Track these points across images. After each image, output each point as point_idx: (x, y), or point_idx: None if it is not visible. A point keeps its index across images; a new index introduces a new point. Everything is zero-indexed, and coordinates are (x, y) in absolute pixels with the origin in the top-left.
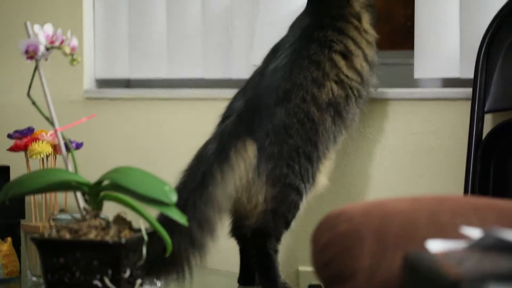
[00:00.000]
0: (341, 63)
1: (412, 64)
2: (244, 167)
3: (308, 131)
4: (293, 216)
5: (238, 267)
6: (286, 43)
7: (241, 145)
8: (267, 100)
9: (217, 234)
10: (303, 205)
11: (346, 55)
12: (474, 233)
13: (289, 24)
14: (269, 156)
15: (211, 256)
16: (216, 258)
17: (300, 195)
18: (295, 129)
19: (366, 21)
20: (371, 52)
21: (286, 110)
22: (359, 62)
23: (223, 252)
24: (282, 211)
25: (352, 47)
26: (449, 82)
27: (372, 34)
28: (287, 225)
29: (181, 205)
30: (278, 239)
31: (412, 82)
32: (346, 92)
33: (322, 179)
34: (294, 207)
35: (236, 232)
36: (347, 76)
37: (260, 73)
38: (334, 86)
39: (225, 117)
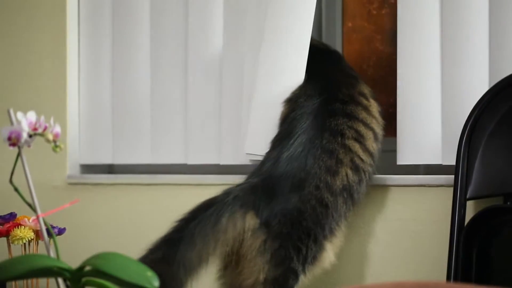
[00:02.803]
0: (356, 147)
1: (395, 151)
2: (232, 235)
3: (319, 215)
4: None
5: None
6: (298, 127)
7: (240, 215)
8: (282, 187)
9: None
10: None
11: (359, 140)
12: None
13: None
14: (277, 234)
15: None
16: None
17: (297, 279)
18: (308, 213)
19: (370, 95)
20: (379, 129)
21: (300, 197)
22: (371, 144)
23: None
24: None
25: (363, 130)
26: (431, 169)
27: (376, 107)
28: None
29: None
30: None
31: (395, 169)
32: (360, 176)
33: (330, 255)
34: None
35: None
36: (362, 160)
37: (274, 158)
38: (349, 172)
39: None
